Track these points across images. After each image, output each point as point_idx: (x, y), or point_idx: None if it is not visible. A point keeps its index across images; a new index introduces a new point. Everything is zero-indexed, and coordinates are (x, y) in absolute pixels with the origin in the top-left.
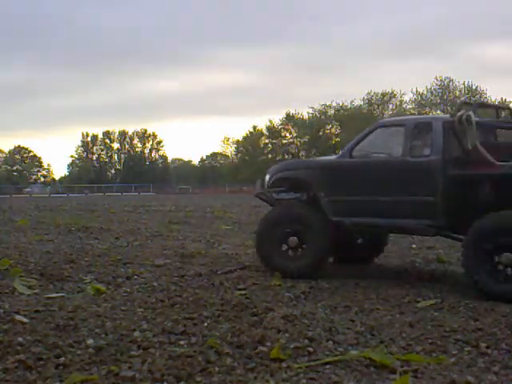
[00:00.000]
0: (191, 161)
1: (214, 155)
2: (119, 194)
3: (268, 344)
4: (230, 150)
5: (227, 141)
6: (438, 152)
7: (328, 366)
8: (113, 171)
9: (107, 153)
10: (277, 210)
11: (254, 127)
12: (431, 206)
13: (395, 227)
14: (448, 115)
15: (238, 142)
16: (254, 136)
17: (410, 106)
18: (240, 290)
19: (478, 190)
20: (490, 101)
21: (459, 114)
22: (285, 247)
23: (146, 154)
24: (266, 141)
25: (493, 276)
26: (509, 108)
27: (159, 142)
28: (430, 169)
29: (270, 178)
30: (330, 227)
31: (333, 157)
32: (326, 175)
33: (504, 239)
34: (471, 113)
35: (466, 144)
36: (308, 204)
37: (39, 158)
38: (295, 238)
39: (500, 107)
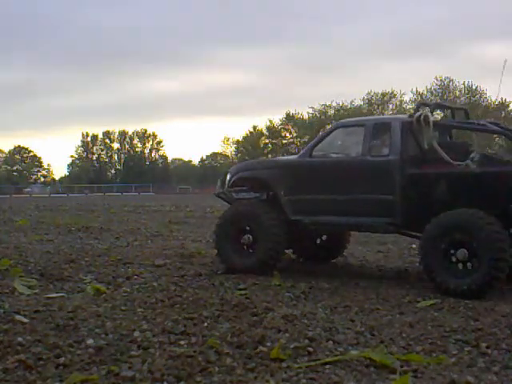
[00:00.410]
0: (191, 161)
1: (214, 155)
2: (119, 194)
3: (268, 344)
4: (230, 150)
5: (227, 141)
6: (396, 151)
7: (328, 366)
8: (113, 171)
9: (107, 153)
10: (232, 209)
11: (254, 127)
12: (390, 205)
13: (354, 225)
14: (406, 115)
15: (238, 141)
16: (253, 136)
17: (410, 106)
18: (240, 290)
19: (435, 188)
20: (490, 101)
21: (417, 114)
22: (240, 245)
23: (146, 154)
24: (266, 141)
25: (450, 272)
26: (464, 109)
27: (159, 142)
28: (389, 168)
29: (230, 178)
30: (283, 225)
31: (293, 157)
32: (286, 175)
33: (459, 236)
34: (429, 113)
35: (423, 144)
36: (262, 203)
37: (39, 158)
38: (249, 235)
39: (456, 108)
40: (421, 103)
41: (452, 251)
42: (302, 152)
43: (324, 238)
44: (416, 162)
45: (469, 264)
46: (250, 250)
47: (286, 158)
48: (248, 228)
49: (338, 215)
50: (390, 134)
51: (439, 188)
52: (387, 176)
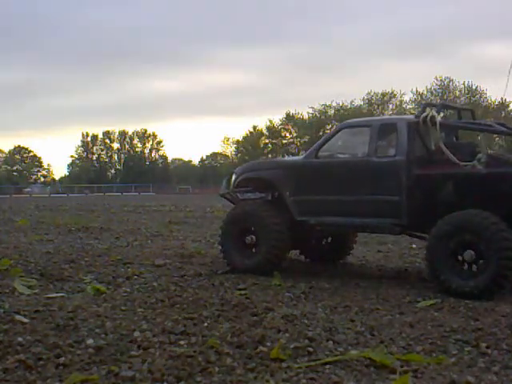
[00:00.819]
0: (191, 161)
1: (214, 155)
2: (119, 194)
3: (268, 344)
4: (230, 150)
5: (227, 141)
6: (402, 152)
7: (328, 366)
8: (113, 171)
9: (107, 153)
10: (236, 209)
11: (254, 127)
12: (396, 206)
13: (360, 226)
14: (413, 116)
15: (238, 142)
16: (253, 136)
17: (410, 106)
18: (240, 290)
19: (442, 189)
20: (490, 101)
21: (423, 114)
22: (243, 245)
23: (146, 154)
24: (266, 141)
25: (457, 273)
26: (470, 110)
27: (159, 142)
28: (395, 169)
29: (236, 179)
30: (286, 226)
31: (298, 157)
32: (292, 176)
33: (468, 237)
34: (435, 113)
35: (429, 144)
36: (266, 203)
37: (39, 158)
38: (252, 235)
39: (462, 109)
40: (427, 104)
41: (459, 252)
42: (307, 153)
43: (329, 239)
44: (422, 163)
45: (475, 266)
46: (253, 250)
47: (291, 158)
48: (251, 228)
49: (343, 216)
50: (396, 134)
51: (446, 189)
52: (393, 177)
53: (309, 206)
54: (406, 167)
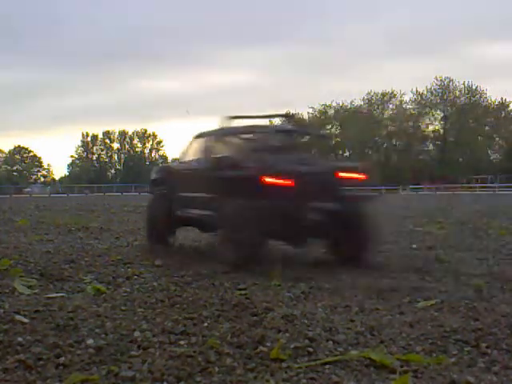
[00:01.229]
0: None
1: None
2: (119, 193)
3: (268, 344)
4: None
5: None
6: (210, 159)
7: (328, 366)
8: (113, 171)
9: (107, 153)
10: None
11: None
12: (213, 201)
13: (200, 219)
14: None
15: None
16: None
17: (410, 106)
18: (240, 290)
19: (229, 187)
20: (489, 101)
21: (220, 127)
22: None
23: (146, 154)
24: None
25: (232, 249)
26: (261, 116)
27: (159, 142)
28: (208, 173)
29: (153, 178)
30: (163, 215)
31: (174, 163)
32: (169, 177)
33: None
34: (228, 127)
35: (223, 152)
36: (161, 197)
37: (39, 158)
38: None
39: (257, 117)
40: (228, 117)
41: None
42: (179, 158)
43: None
44: (223, 168)
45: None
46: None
47: (173, 163)
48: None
49: (191, 209)
50: (209, 144)
51: (230, 186)
52: (209, 179)
53: (177, 201)
54: (212, 171)
